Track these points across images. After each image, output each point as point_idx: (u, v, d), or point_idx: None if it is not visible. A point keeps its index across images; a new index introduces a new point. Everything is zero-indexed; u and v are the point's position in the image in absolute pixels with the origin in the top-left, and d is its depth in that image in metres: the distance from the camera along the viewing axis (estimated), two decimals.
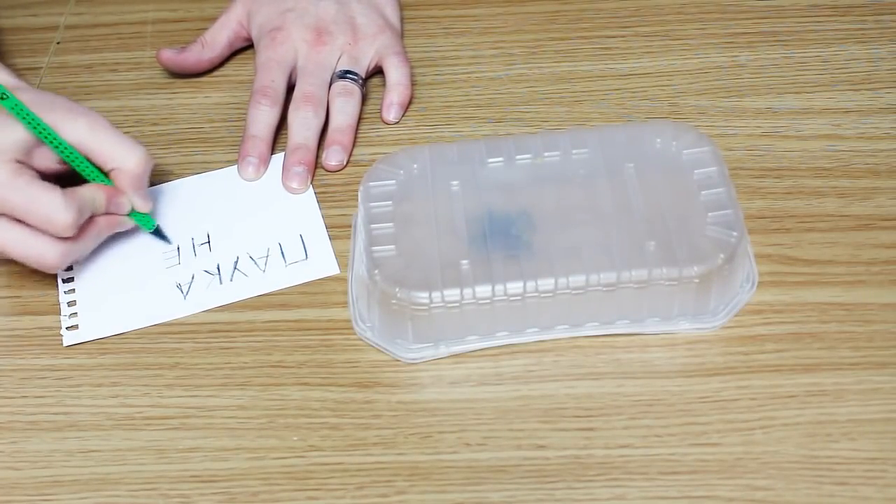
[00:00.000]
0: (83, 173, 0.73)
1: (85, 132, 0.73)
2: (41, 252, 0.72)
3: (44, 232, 0.71)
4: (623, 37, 0.87)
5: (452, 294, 0.67)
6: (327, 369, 0.70)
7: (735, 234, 0.68)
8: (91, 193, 0.73)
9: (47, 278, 0.76)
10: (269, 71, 0.83)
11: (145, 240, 0.77)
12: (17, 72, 0.89)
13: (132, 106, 0.87)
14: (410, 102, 0.84)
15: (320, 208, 0.78)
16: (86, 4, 0.95)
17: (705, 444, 0.65)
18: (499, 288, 0.67)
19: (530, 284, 0.67)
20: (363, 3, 0.87)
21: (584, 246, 0.68)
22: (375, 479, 0.65)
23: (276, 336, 0.72)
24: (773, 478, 0.63)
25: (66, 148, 0.72)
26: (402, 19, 0.89)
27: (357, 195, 0.73)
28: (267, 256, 0.76)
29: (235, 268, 0.75)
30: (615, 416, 0.66)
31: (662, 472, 0.64)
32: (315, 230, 0.77)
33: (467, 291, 0.67)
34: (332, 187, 0.80)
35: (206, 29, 0.89)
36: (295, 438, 0.67)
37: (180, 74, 0.88)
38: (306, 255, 0.76)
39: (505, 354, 0.69)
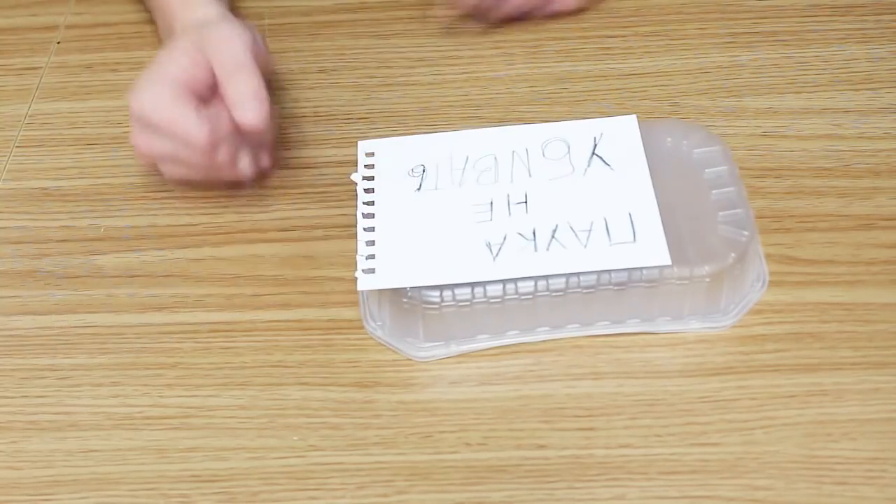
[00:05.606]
0: None
1: None
2: None
3: None
4: (623, 37, 0.87)
5: (464, 293, 0.67)
6: (328, 369, 0.70)
7: (746, 233, 0.68)
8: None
9: (47, 279, 0.76)
10: None
11: (455, 191, 0.72)
12: (17, 72, 0.90)
13: None
14: None
15: (654, 189, 0.71)
16: (86, 4, 0.94)
17: (706, 444, 0.65)
18: (510, 287, 0.67)
19: (541, 283, 0.67)
20: None
21: None
22: (375, 478, 0.65)
23: (276, 336, 0.72)
24: (773, 478, 0.63)
25: None
26: None
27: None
28: (590, 231, 0.69)
29: (553, 236, 0.68)
30: (615, 415, 0.66)
31: (663, 471, 0.64)
32: (646, 211, 0.70)
33: (478, 290, 0.67)
34: (333, 187, 0.79)
35: None
36: (295, 438, 0.67)
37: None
38: (634, 237, 0.68)
39: (505, 354, 0.69)
